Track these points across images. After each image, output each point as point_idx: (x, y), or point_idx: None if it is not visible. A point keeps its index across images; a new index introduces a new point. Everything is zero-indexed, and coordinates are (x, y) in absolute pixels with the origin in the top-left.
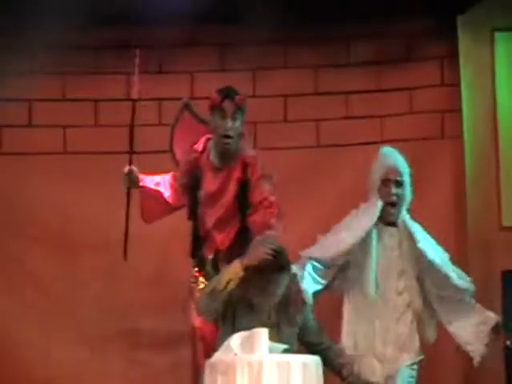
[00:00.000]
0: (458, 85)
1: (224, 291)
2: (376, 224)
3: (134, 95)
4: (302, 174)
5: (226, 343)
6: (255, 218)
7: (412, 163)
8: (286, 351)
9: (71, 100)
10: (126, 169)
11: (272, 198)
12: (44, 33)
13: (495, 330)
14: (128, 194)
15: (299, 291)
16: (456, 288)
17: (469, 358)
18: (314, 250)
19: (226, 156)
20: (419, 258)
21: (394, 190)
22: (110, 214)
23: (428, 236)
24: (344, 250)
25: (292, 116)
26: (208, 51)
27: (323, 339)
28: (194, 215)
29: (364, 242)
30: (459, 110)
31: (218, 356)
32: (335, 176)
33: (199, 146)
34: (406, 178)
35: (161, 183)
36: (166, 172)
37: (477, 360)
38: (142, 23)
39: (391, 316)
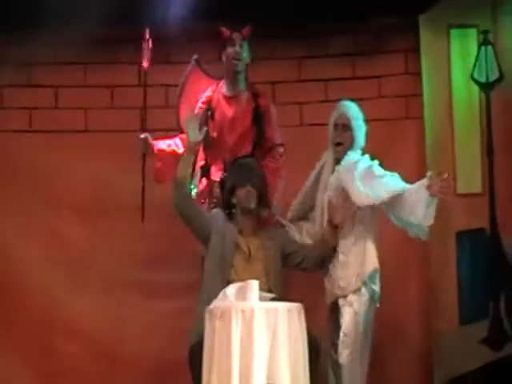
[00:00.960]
0: (419, 74)
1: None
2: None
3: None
4: (288, 148)
5: (222, 292)
6: (269, 164)
7: (381, 140)
8: (273, 299)
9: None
10: (143, 135)
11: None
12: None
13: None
14: (144, 159)
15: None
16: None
17: None
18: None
19: (237, 80)
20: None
21: (341, 132)
22: (126, 181)
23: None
24: (301, 195)
25: (279, 100)
26: (207, 44)
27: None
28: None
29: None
30: (420, 95)
31: (215, 303)
32: (315, 149)
33: (209, 90)
34: (355, 123)
35: (171, 145)
36: None
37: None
38: (150, 21)
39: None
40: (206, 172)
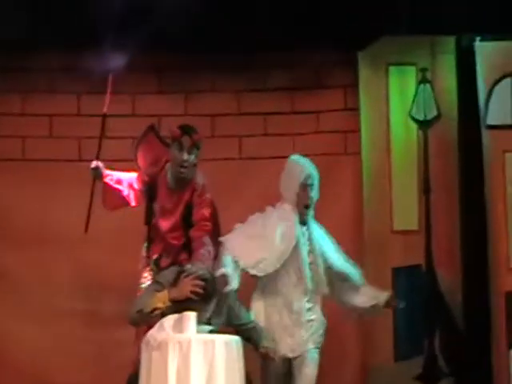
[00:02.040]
0: (357, 109)
1: (149, 315)
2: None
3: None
4: (226, 181)
5: (159, 323)
6: (193, 234)
7: (319, 174)
8: (211, 332)
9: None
10: (93, 164)
11: (207, 220)
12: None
13: (387, 304)
14: (93, 183)
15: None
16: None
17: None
18: (237, 248)
19: (181, 183)
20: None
21: (310, 193)
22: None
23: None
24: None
25: (218, 132)
26: (147, 76)
27: (248, 319)
28: (149, 221)
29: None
30: (358, 131)
31: (152, 334)
32: (254, 183)
33: (159, 165)
34: (317, 182)
35: (123, 182)
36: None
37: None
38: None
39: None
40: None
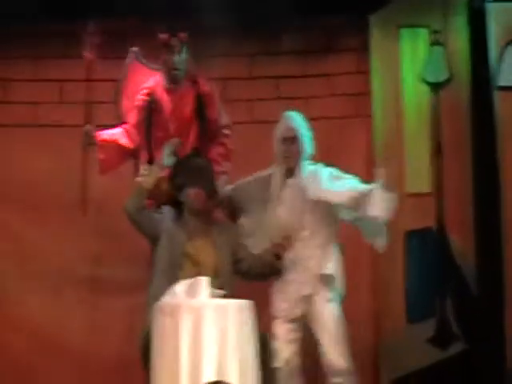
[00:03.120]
0: (369, 72)
1: (142, 190)
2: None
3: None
4: (239, 145)
5: (172, 289)
6: (216, 149)
7: (330, 138)
8: (223, 297)
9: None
10: (86, 127)
11: (227, 131)
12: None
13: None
14: (85, 152)
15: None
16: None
17: None
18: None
19: (176, 83)
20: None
21: (289, 146)
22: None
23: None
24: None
25: (230, 96)
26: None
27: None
28: (149, 147)
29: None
30: (370, 94)
31: (165, 300)
32: (266, 147)
33: (152, 80)
34: (301, 135)
35: (115, 133)
36: None
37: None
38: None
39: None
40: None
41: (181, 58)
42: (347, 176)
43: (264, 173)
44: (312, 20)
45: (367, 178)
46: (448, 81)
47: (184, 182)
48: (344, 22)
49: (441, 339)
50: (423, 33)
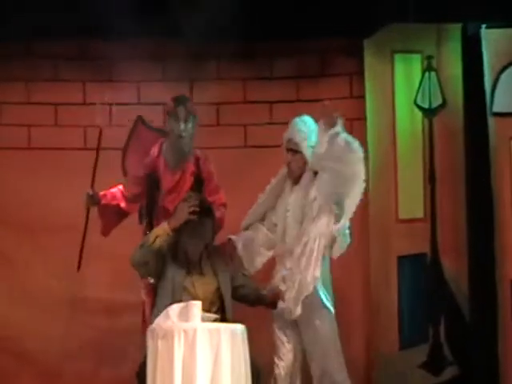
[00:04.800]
0: (363, 97)
1: (152, 245)
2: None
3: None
4: (232, 170)
5: (165, 312)
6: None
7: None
8: (215, 321)
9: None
10: (90, 191)
11: (223, 198)
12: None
13: None
14: (87, 213)
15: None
16: None
17: None
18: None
19: (181, 154)
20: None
21: (291, 156)
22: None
23: None
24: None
25: (224, 121)
26: (152, 64)
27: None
28: (150, 216)
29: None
30: (364, 119)
31: (158, 323)
32: (259, 171)
33: (154, 152)
34: (303, 146)
35: (116, 195)
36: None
37: None
38: (96, 37)
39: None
40: None
41: (187, 126)
42: None
43: (271, 185)
44: (306, 44)
45: (360, 203)
46: (442, 106)
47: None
48: (338, 47)
49: (434, 364)
50: (417, 58)
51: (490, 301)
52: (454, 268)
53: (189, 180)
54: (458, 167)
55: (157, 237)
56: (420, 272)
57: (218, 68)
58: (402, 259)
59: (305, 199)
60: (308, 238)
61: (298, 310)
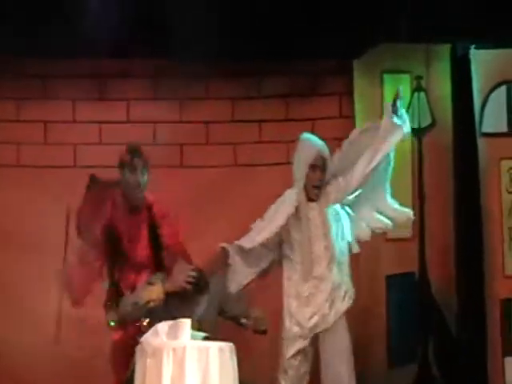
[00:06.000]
0: (353, 117)
1: (144, 307)
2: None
3: None
4: (221, 188)
5: (153, 328)
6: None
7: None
8: (205, 338)
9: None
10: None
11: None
12: None
13: None
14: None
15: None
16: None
17: None
18: (242, 240)
19: (137, 203)
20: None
21: (319, 174)
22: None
23: None
24: (266, 237)
25: (213, 140)
26: (143, 82)
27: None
28: (112, 271)
29: (295, 220)
30: None
31: (147, 340)
32: (249, 190)
33: (109, 205)
34: (328, 163)
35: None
36: None
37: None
38: (86, 56)
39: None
40: (114, 287)
41: (144, 178)
42: None
43: (289, 208)
44: (296, 64)
45: None
46: (431, 126)
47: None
48: (327, 67)
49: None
50: (406, 78)
51: (479, 319)
52: (443, 287)
53: (144, 228)
54: (447, 187)
55: (150, 301)
56: (408, 291)
57: (207, 86)
58: (390, 278)
59: (325, 215)
60: (335, 250)
61: (334, 317)
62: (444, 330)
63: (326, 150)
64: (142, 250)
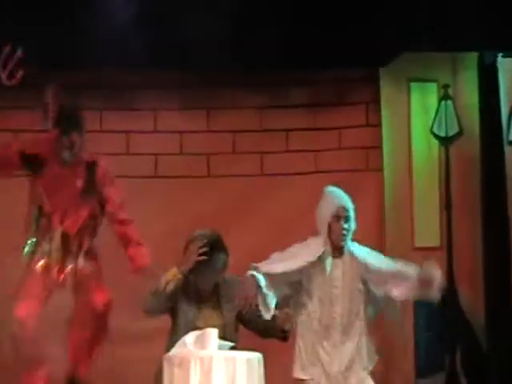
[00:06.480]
0: (379, 125)
1: (164, 292)
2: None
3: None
4: (248, 198)
5: (181, 340)
6: (125, 231)
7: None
8: (232, 348)
9: None
10: None
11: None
12: None
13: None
14: None
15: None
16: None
17: None
18: (264, 264)
19: (70, 160)
20: (364, 270)
21: (344, 225)
22: None
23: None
24: (291, 269)
25: (240, 149)
26: (169, 92)
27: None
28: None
29: (317, 269)
30: (380, 147)
31: (174, 351)
32: (276, 200)
33: (48, 139)
34: (352, 213)
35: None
36: None
37: None
38: (116, 66)
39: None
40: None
41: (72, 152)
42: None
43: (309, 257)
44: (322, 73)
45: (377, 232)
46: (458, 135)
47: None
48: (354, 75)
49: None
50: (433, 87)
51: (507, 329)
52: (471, 296)
53: (80, 181)
54: (474, 196)
55: (168, 282)
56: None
57: (234, 96)
58: None
59: (349, 276)
60: (358, 313)
61: None
62: (472, 339)
63: (348, 201)
64: (75, 197)
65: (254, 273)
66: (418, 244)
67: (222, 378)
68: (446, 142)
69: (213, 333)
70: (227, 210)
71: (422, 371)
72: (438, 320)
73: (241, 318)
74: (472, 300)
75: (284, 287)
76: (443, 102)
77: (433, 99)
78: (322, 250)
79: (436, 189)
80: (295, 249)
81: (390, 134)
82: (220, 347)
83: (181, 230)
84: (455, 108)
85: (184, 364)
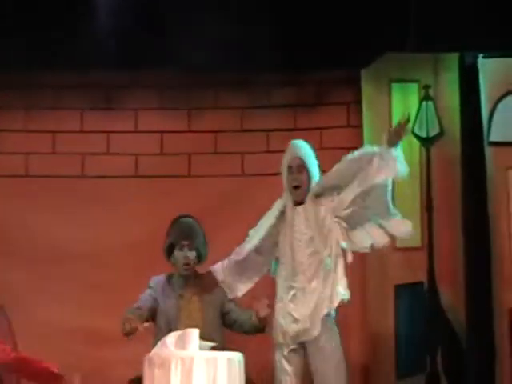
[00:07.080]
0: (360, 126)
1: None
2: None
3: None
4: (229, 198)
5: (162, 340)
6: None
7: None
8: (213, 348)
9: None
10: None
11: None
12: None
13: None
14: None
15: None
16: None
17: None
18: (234, 252)
19: None
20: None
21: (296, 175)
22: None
23: None
24: (264, 234)
25: (221, 149)
26: (150, 92)
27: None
28: None
29: (281, 224)
30: (361, 147)
31: (155, 351)
32: (257, 200)
33: None
34: (308, 162)
35: None
36: None
37: None
38: (96, 66)
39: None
40: None
41: None
42: None
43: (272, 212)
44: (304, 74)
45: None
46: (439, 136)
47: (174, 241)
48: (335, 76)
49: None
50: (414, 87)
51: (488, 329)
52: (451, 296)
53: None
54: (455, 196)
55: (127, 334)
56: (417, 301)
57: (215, 96)
58: (399, 288)
59: (313, 219)
60: (323, 256)
61: (317, 330)
62: (452, 339)
63: (301, 151)
64: None
65: (213, 268)
66: (399, 245)
67: (203, 378)
68: (426, 142)
69: (194, 333)
70: (208, 210)
71: (402, 372)
72: (419, 320)
73: (222, 312)
74: (453, 300)
75: (258, 271)
76: (424, 103)
77: (414, 100)
78: (283, 202)
79: (417, 189)
80: (262, 219)
81: (371, 134)
82: (201, 347)
83: (161, 230)
84: (436, 109)
85: (165, 364)
